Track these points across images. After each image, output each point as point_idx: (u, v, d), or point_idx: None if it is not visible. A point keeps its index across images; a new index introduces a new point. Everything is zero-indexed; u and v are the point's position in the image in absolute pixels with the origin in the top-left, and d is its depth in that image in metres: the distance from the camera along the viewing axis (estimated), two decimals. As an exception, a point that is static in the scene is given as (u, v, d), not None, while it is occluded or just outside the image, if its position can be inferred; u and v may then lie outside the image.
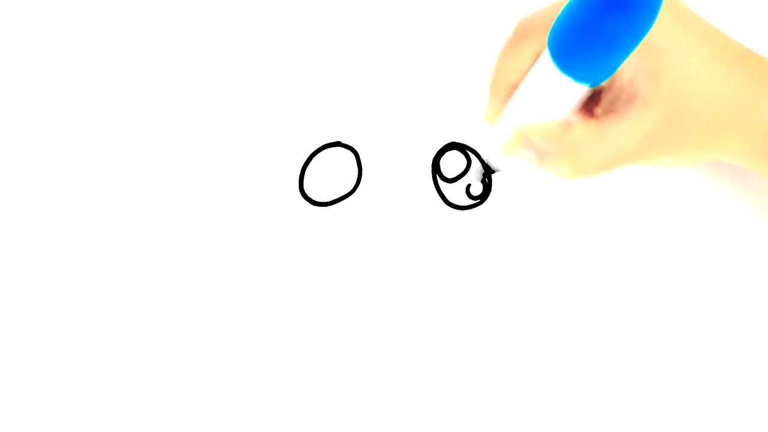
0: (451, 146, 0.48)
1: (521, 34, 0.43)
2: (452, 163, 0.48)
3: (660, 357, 0.46)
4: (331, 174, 0.48)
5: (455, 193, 0.48)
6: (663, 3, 0.38)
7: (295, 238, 0.47)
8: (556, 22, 0.39)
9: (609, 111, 0.42)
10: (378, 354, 0.46)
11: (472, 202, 0.48)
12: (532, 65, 0.42)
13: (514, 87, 0.44)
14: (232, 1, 0.50)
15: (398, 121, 0.48)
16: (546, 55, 0.40)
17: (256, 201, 0.47)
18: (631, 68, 0.41)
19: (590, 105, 0.44)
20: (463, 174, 0.48)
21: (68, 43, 0.49)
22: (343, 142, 0.48)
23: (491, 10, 0.50)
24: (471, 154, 0.48)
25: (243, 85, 0.49)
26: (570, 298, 0.47)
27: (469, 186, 0.47)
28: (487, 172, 0.47)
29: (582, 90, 0.41)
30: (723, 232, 0.47)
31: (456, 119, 0.48)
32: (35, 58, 0.49)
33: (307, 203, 0.47)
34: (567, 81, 0.40)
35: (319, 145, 0.48)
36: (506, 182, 0.48)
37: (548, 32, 0.40)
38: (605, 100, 0.43)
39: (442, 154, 0.48)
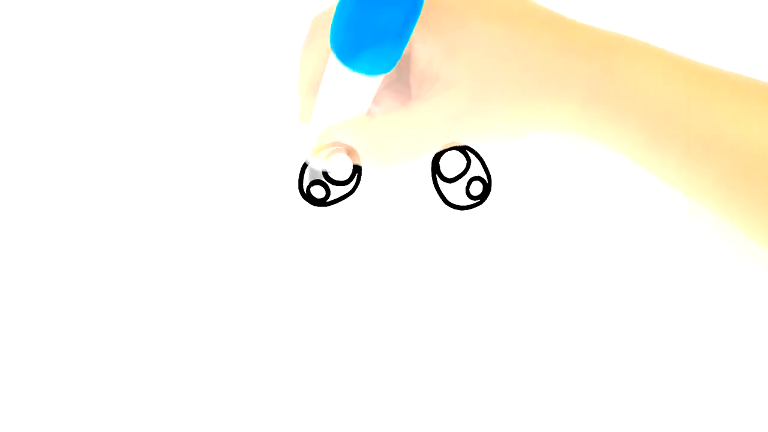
0: (451, 146, 0.48)
1: (315, 31, 0.42)
2: (452, 163, 0.48)
3: (658, 357, 0.46)
4: (330, 174, 0.48)
5: (455, 193, 0.48)
6: None
7: (295, 238, 0.47)
8: (333, 19, 0.38)
9: (417, 97, 0.41)
10: (377, 353, 0.46)
11: (472, 202, 0.47)
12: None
13: (318, 85, 0.43)
14: (231, 1, 0.50)
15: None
16: (332, 53, 0.40)
17: (256, 201, 0.47)
18: (425, 52, 0.40)
19: (406, 92, 0.43)
20: (463, 174, 0.48)
21: (68, 43, 0.49)
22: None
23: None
24: (471, 154, 0.48)
25: (243, 85, 0.49)
26: (569, 298, 0.47)
27: (469, 186, 0.47)
28: (320, 178, 0.45)
29: (375, 81, 0.40)
30: (720, 232, 0.47)
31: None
32: (35, 58, 0.49)
33: (307, 203, 0.47)
34: (356, 75, 0.39)
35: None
36: (506, 182, 0.48)
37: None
38: (414, 86, 0.42)
39: (442, 154, 0.48)
